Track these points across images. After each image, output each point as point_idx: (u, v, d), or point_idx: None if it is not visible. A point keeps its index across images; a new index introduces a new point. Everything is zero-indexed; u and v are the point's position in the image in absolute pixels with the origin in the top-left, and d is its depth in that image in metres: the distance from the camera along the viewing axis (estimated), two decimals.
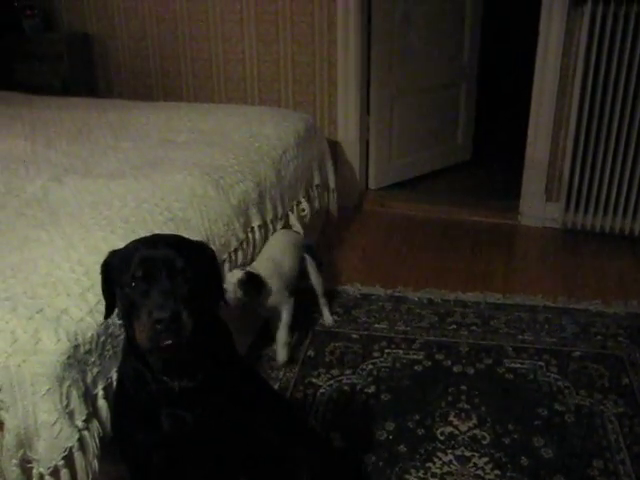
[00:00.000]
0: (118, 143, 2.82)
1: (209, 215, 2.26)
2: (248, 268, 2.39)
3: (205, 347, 1.52)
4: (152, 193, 2.25)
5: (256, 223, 2.51)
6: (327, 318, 2.85)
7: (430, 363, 2.60)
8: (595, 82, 3.39)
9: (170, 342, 1.36)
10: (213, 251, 1.56)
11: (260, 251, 2.59)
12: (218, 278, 1.60)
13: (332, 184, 3.26)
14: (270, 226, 2.63)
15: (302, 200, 2.93)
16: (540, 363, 2.59)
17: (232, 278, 2.31)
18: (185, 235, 2.06)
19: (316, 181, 3.09)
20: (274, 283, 2.48)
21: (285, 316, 2.55)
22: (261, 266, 2.48)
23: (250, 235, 2.47)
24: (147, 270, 1.39)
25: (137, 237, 1.92)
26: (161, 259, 1.41)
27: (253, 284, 2.36)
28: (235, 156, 2.63)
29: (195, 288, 1.40)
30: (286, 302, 2.56)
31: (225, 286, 2.22)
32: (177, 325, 1.34)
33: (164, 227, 2.09)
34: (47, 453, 1.55)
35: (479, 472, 2.08)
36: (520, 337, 2.77)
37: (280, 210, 2.72)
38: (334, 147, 3.78)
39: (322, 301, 2.86)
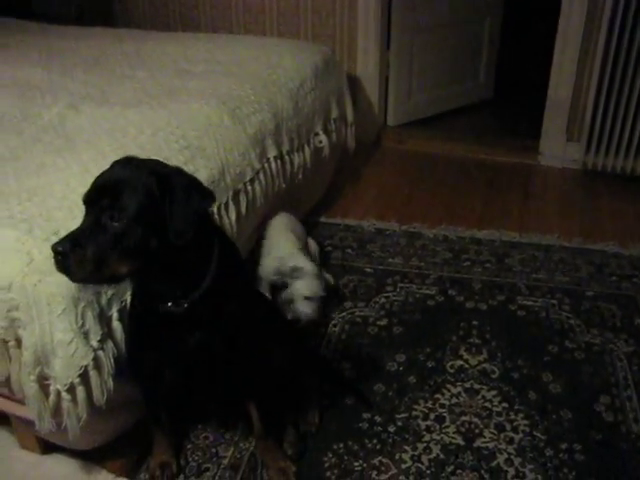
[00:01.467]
0: (134, 72, 2.79)
1: (225, 144, 2.25)
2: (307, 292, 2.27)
3: (185, 276, 1.52)
4: (168, 121, 2.24)
5: (272, 154, 2.50)
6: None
7: (443, 298, 2.62)
8: (624, 19, 3.28)
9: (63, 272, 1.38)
10: (179, 183, 1.44)
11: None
12: (182, 216, 1.42)
13: (350, 118, 3.22)
14: (287, 158, 2.61)
15: (320, 132, 2.90)
16: (553, 301, 2.59)
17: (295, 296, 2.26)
18: (202, 164, 2.11)
19: (334, 114, 3.05)
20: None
21: None
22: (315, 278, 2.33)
23: (266, 166, 2.45)
24: (87, 197, 1.41)
25: None
26: (98, 189, 1.40)
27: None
28: (252, 87, 2.60)
29: (131, 226, 1.36)
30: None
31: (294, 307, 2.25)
32: (66, 261, 1.35)
33: (179, 155, 2.08)
34: (63, 371, 1.59)
35: (487, 404, 2.11)
36: (534, 275, 2.76)
37: (296, 142, 2.69)
38: (353, 82, 3.71)
39: None
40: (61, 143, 2.11)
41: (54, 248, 1.36)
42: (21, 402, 1.72)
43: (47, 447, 1.96)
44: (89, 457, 1.92)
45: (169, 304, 1.54)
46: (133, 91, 2.55)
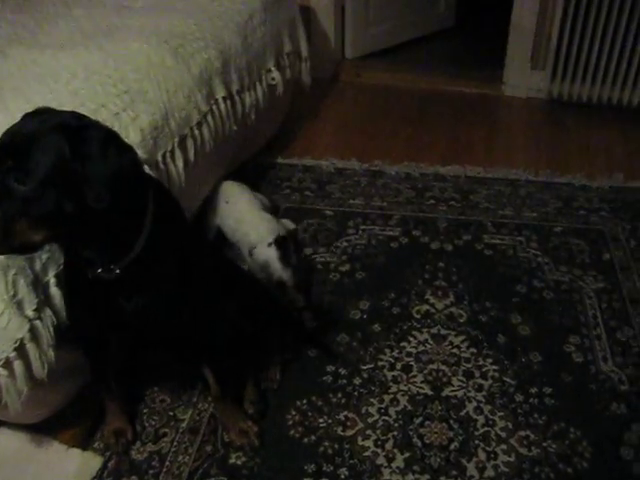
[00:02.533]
0: (69, 10, 2.56)
1: (167, 86, 2.08)
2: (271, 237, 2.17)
3: (109, 241, 1.36)
4: (104, 64, 2.05)
5: (220, 94, 2.32)
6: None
7: (407, 240, 2.52)
8: None
9: None
10: (99, 133, 1.28)
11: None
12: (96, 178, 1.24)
13: (304, 52, 3.03)
14: (236, 97, 2.44)
15: (272, 69, 2.72)
16: (520, 239, 2.52)
17: (262, 253, 2.16)
18: (143, 109, 1.94)
19: (287, 49, 2.86)
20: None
21: None
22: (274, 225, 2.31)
23: (214, 107, 2.29)
24: None
25: (86, 111, 1.77)
26: (4, 147, 1.22)
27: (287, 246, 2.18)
28: (196, 22, 2.40)
29: (37, 191, 1.20)
30: None
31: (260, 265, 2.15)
32: None
33: (117, 100, 1.91)
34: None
35: (455, 350, 2.05)
36: (500, 212, 2.68)
37: (247, 80, 2.52)
38: (307, 13, 3.50)
39: None
40: None
41: None
42: None
43: None
44: (39, 429, 1.80)
45: (98, 270, 1.39)
46: (68, 32, 2.34)
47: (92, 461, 1.77)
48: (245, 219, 2.33)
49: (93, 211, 1.24)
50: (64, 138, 1.22)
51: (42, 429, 1.81)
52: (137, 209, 1.38)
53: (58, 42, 2.24)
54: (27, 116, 1.31)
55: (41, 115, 1.30)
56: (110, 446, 1.79)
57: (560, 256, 2.43)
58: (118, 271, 1.39)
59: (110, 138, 1.29)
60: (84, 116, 1.34)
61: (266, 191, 2.75)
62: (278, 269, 2.10)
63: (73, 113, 1.34)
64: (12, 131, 1.26)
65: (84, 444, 1.81)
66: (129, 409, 1.85)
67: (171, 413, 1.87)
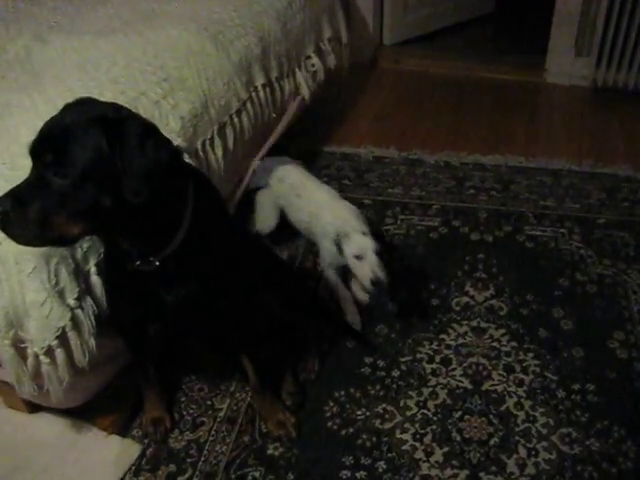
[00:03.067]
0: None
1: (207, 74, 2.07)
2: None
3: (151, 233, 1.36)
4: (144, 51, 2.05)
5: (260, 82, 2.30)
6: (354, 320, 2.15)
7: (446, 230, 2.48)
8: None
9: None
10: (137, 126, 1.26)
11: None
12: (145, 157, 1.24)
13: (345, 38, 3.00)
14: (276, 85, 2.42)
15: (312, 55, 2.69)
16: (562, 230, 2.46)
17: (357, 241, 1.91)
18: (183, 97, 1.94)
19: (327, 34, 2.83)
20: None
21: None
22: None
23: (254, 95, 2.27)
24: (30, 149, 1.24)
25: (126, 100, 1.77)
26: (39, 141, 1.23)
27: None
28: (235, 8, 2.39)
29: (78, 183, 1.19)
30: None
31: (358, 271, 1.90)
32: (8, 222, 1.20)
33: (157, 88, 1.91)
34: (39, 333, 1.47)
35: (495, 344, 2.01)
36: (542, 203, 2.63)
37: (286, 67, 2.50)
38: None
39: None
40: (27, 79, 1.92)
41: None
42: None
43: (34, 406, 1.86)
44: (79, 415, 1.83)
45: (137, 263, 1.39)
46: (106, 18, 2.35)
47: (131, 448, 1.79)
48: (328, 206, 2.10)
49: (131, 205, 1.24)
50: (103, 132, 1.21)
51: (82, 415, 1.83)
52: (176, 202, 1.37)
53: (97, 29, 2.25)
54: (67, 107, 1.30)
55: (81, 106, 1.29)
56: (148, 434, 1.80)
57: (604, 249, 2.37)
58: (157, 263, 1.38)
59: (149, 132, 1.27)
60: (123, 108, 1.32)
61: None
62: (374, 262, 1.87)
63: (113, 105, 1.33)
64: (51, 124, 1.25)
65: (123, 431, 1.83)
66: (167, 398, 1.86)
67: (209, 402, 1.88)
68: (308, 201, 2.17)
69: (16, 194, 1.21)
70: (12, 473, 1.75)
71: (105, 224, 1.29)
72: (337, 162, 2.91)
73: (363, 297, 2.03)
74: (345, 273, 2.05)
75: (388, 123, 3.23)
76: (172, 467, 1.72)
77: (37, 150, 1.22)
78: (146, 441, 1.79)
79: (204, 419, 1.83)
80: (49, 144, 1.21)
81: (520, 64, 3.75)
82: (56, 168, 1.20)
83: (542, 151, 2.96)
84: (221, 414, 1.84)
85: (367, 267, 1.86)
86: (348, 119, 3.28)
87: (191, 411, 1.86)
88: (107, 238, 1.37)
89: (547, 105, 3.45)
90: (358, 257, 1.88)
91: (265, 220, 2.33)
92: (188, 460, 1.73)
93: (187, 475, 1.70)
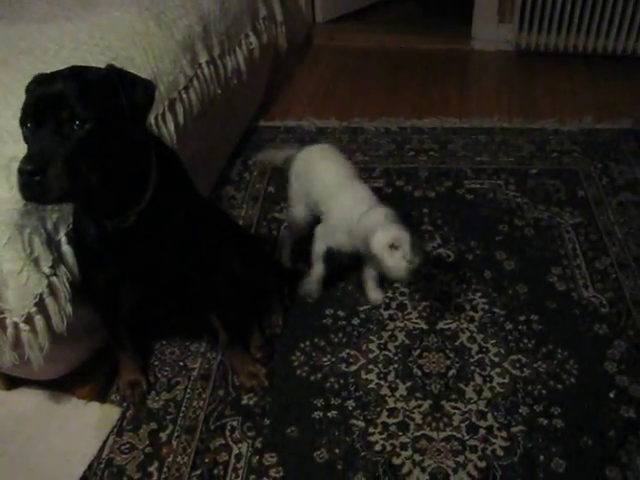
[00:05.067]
0: None
1: (153, 52, 2.13)
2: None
3: (130, 187, 1.47)
4: (90, 33, 2.10)
5: (204, 59, 2.38)
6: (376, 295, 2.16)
7: (391, 190, 2.62)
8: None
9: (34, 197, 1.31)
10: (126, 76, 1.43)
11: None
12: (136, 106, 1.41)
13: (279, 17, 3.10)
14: (219, 62, 2.50)
15: (250, 33, 2.79)
16: (499, 182, 2.63)
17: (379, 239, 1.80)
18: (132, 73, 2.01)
19: (262, 14, 2.92)
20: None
21: None
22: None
23: (199, 72, 2.35)
24: (35, 112, 1.33)
25: None
26: (48, 101, 1.32)
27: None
28: None
29: (94, 131, 1.31)
30: None
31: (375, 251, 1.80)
32: (40, 180, 1.26)
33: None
34: (18, 301, 1.53)
35: (445, 288, 2.16)
36: (478, 159, 2.79)
37: (227, 44, 2.58)
38: None
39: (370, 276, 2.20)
40: None
41: (21, 169, 1.27)
42: None
43: (12, 382, 1.92)
44: (56, 387, 1.89)
45: (115, 220, 1.49)
46: (47, 5, 2.38)
47: (111, 412, 1.86)
48: (345, 188, 2.01)
49: (126, 149, 1.40)
50: (106, 81, 1.38)
51: (59, 387, 1.89)
52: (146, 157, 1.48)
53: (39, 16, 2.28)
54: (57, 73, 1.39)
55: (70, 69, 1.40)
56: (127, 397, 1.87)
57: (537, 196, 2.54)
58: (133, 219, 1.48)
59: (135, 75, 1.47)
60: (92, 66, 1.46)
61: (251, 153, 2.84)
62: (408, 252, 1.79)
63: (83, 66, 1.46)
64: (54, 86, 1.34)
65: (101, 398, 1.89)
66: (141, 362, 1.94)
67: (181, 363, 1.96)
68: (317, 180, 2.04)
69: (38, 154, 1.28)
70: None
71: (113, 169, 1.39)
72: (281, 135, 3.01)
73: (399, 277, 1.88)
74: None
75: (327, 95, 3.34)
76: (153, 425, 1.80)
77: (44, 111, 1.31)
78: (125, 404, 1.86)
79: (179, 379, 1.92)
80: (62, 100, 1.31)
81: (448, 34, 3.90)
82: (72, 120, 1.30)
83: (474, 112, 3.13)
84: (194, 373, 1.93)
85: (401, 257, 1.79)
86: (288, 95, 3.38)
87: (165, 373, 1.94)
88: (100, 191, 1.43)
89: (476, 70, 3.63)
90: (393, 246, 1.80)
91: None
92: (168, 417, 1.82)
93: (168, 431, 1.79)
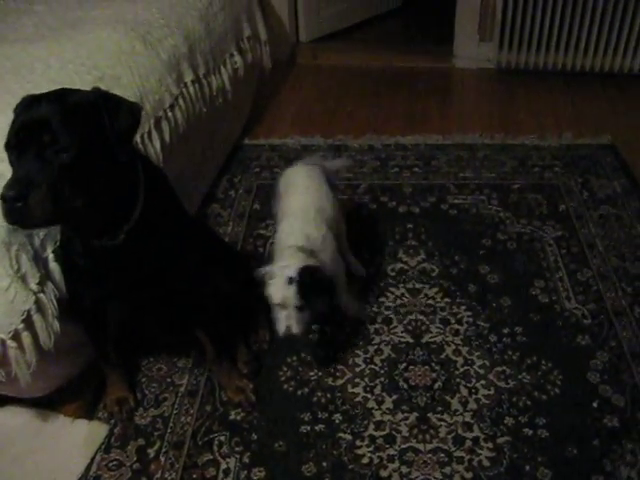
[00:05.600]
0: (31, 7, 2.61)
1: (139, 71, 2.16)
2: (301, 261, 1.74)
3: (117, 207, 1.49)
4: (76, 53, 2.12)
5: (189, 78, 2.41)
6: (355, 309, 2.11)
7: (375, 206, 2.65)
8: None
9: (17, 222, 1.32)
10: (111, 99, 1.46)
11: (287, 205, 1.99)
12: (121, 129, 1.43)
13: (263, 36, 3.13)
14: (204, 81, 2.53)
15: (234, 53, 2.82)
16: (482, 197, 2.66)
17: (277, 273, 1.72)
18: (119, 93, 2.02)
19: (246, 33, 2.96)
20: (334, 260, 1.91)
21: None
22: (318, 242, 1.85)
23: (184, 90, 2.38)
24: (19, 137, 1.34)
25: None
26: (32, 127, 1.34)
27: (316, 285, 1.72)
28: (159, 10, 2.48)
29: (77, 157, 1.33)
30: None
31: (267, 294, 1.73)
32: (23, 206, 1.28)
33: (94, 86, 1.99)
34: (5, 318, 1.54)
35: (430, 301, 2.18)
36: (461, 175, 2.82)
37: (212, 64, 2.61)
38: None
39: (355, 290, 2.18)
40: None
41: (4, 195, 1.28)
42: None
43: None
44: (43, 405, 1.89)
45: (104, 238, 1.50)
46: (33, 26, 2.40)
47: (99, 429, 1.86)
48: (292, 218, 1.94)
49: (113, 171, 1.41)
50: (91, 106, 1.39)
51: (46, 404, 1.89)
52: (134, 176, 1.50)
53: (25, 36, 2.30)
54: (41, 97, 1.41)
55: (55, 93, 1.42)
56: (114, 414, 1.88)
57: (520, 210, 2.58)
58: (122, 237, 1.49)
59: (121, 99, 1.48)
60: (78, 89, 1.47)
61: (237, 171, 2.86)
62: (293, 316, 1.71)
63: (67, 89, 1.47)
64: (38, 111, 1.36)
65: (89, 415, 1.90)
66: (129, 379, 1.94)
67: (169, 379, 1.97)
68: (283, 202, 2.03)
69: (21, 179, 1.30)
70: None
71: (98, 192, 1.40)
72: (266, 153, 3.04)
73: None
74: None
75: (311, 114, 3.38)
76: (141, 441, 1.81)
77: (27, 137, 1.32)
78: (112, 421, 1.86)
79: (166, 395, 1.93)
80: (43, 126, 1.32)
81: (430, 52, 3.97)
82: (55, 146, 1.31)
83: (457, 129, 3.17)
84: (182, 389, 1.94)
85: (285, 317, 1.71)
86: (272, 113, 3.41)
87: (153, 389, 1.95)
88: (86, 213, 1.44)
89: (457, 87, 3.68)
90: (280, 305, 1.71)
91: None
92: (155, 433, 1.82)
93: (156, 447, 1.79)
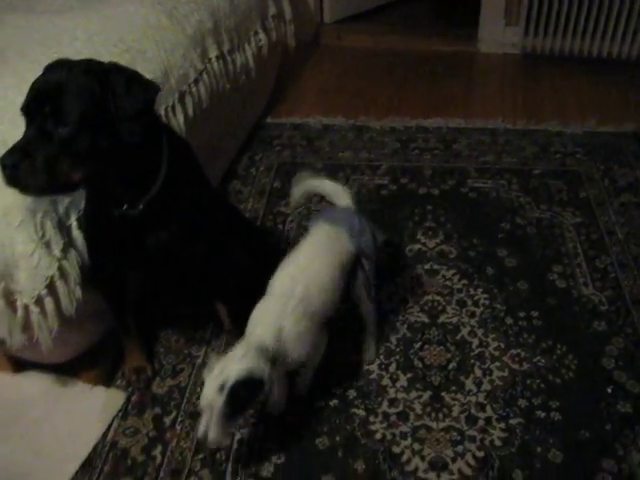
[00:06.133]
0: None
1: (165, 46, 2.17)
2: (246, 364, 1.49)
3: (137, 177, 1.50)
4: (103, 26, 2.14)
5: (213, 54, 2.42)
6: (370, 355, 1.96)
7: (395, 187, 2.65)
8: None
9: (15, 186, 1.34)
10: (124, 73, 1.44)
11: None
12: (132, 106, 1.39)
13: (288, 15, 3.12)
14: (228, 57, 2.54)
15: (259, 31, 2.82)
16: (502, 182, 2.65)
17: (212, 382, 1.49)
18: (144, 67, 2.04)
19: (271, 12, 2.95)
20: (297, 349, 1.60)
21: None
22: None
23: (209, 66, 2.38)
24: (29, 104, 1.36)
25: None
26: (40, 96, 1.35)
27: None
28: None
29: (78, 131, 1.33)
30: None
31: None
32: (18, 174, 1.31)
33: (118, 59, 1.97)
34: (29, 283, 1.57)
35: (447, 283, 2.19)
36: (482, 159, 2.81)
37: (236, 41, 2.61)
38: None
39: (370, 334, 1.95)
40: None
41: (1, 162, 1.32)
42: None
43: (19, 366, 1.95)
44: (63, 371, 1.93)
45: (124, 207, 1.52)
46: None
47: (116, 396, 1.90)
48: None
49: (125, 147, 1.37)
50: (94, 80, 1.36)
51: (66, 371, 1.93)
52: (157, 147, 1.50)
53: (54, 8, 2.32)
54: (51, 67, 1.42)
55: (64, 64, 1.41)
56: (132, 383, 1.91)
57: (540, 196, 2.57)
58: (141, 207, 1.51)
59: (134, 76, 1.44)
60: (102, 62, 1.45)
61: (258, 148, 2.88)
62: (214, 420, 1.49)
63: (92, 60, 1.46)
64: (43, 80, 1.38)
65: (107, 382, 1.93)
66: (147, 348, 1.98)
67: (186, 351, 2.00)
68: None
69: (21, 147, 1.33)
70: (3, 429, 1.83)
71: (102, 167, 1.41)
72: (287, 132, 3.04)
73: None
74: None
75: (333, 94, 3.37)
76: (157, 410, 1.84)
77: (34, 105, 1.35)
78: (130, 389, 1.90)
79: (183, 366, 1.95)
80: (46, 98, 1.34)
81: (455, 36, 3.94)
82: (55, 119, 1.32)
83: (479, 113, 3.16)
84: (199, 360, 1.96)
85: (205, 421, 1.49)
86: (295, 93, 3.42)
87: (170, 360, 1.98)
88: (100, 183, 1.47)
89: (482, 71, 3.65)
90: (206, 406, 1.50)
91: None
92: (172, 403, 1.86)
93: (172, 416, 1.82)
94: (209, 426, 1.48)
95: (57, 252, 1.60)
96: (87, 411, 1.87)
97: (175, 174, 1.56)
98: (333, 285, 1.68)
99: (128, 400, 1.88)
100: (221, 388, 1.46)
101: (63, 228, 1.63)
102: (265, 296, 1.65)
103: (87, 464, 1.73)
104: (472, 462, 1.68)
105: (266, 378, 1.49)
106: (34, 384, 1.94)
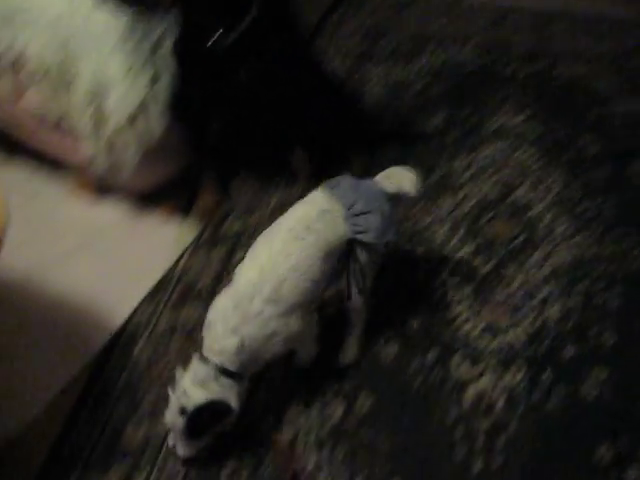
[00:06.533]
0: None
1: None
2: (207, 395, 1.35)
3: (228, 5, 1.50)
4: None
5: None
6: (349, 356, 1.65)
7: (482, 63, 2.57)
8: None
9: None
10: None
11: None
12: None
13: None
14: None
15: None
16: (595, 69, 2.54)
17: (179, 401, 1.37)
18: None
19: None
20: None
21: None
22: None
23: None
24: None
25: None
26: None
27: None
28: None
29: None
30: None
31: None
32: None
33: None
34: (119, 105, 1.62)
35: (524, 161, 2.15)
36: (576, 44, 2.68)
37: None
38: None
39: (354, 333, 1.64)
40: None
41: None
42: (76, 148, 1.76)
43: (101, 192, 2.03)
44: (141, 203, 2.01)
45: (217, 36, 1.53)
46: None
47: (189, 230, 1.96)
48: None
49: None
50: None
51: (142, 204, 2.01)
52: None
53: None
54: None
55: None
56: (204, 219, 1.97)
57: (634, 88, 2.45)
58: (232, 39, 1.51)
59: None
60: None
61: (348, 9, 2.80)
62: (179, 439, 1.43)
63: None
64: None
65: (181, 217, 1.99)
66: (222, 187, 2.03)
67: (260, 194, 2.04)
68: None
69: None
70: (76, 251, 1.91)
71: None
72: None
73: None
74: None
75: None
76: (227, 247, 1.90)
77: None
78: (203, 225, 1.96)
79: (255, 208, 2.00)
80: None
81: None
82: None
83: None
84: (272, 204, 2.01)
85: (172, 438, 1.44)
86: None
87: (245, 198, 2.03)
88: (192, 6, 1.47)
89: None
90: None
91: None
92: (242, 240, 1.90)
93: (239, 255, 1.85)
94: (176, 442, 1.43)
95: (147, 79, 1.63)
96: (160, 241, 1.94)
97: (267, 13, 1.55)
98: (314, 275, 1.41)
99: (199, 236, 1.94)
100: (182, 411, 1.35)
101: (154, 55, 1.65)
102: (229, 287, 1.41)
103: (155, 290, 1.80)
104: (529, 329, 1.69)
105: (233, 400, 1.37)
106: (110, 213, 2.02)
